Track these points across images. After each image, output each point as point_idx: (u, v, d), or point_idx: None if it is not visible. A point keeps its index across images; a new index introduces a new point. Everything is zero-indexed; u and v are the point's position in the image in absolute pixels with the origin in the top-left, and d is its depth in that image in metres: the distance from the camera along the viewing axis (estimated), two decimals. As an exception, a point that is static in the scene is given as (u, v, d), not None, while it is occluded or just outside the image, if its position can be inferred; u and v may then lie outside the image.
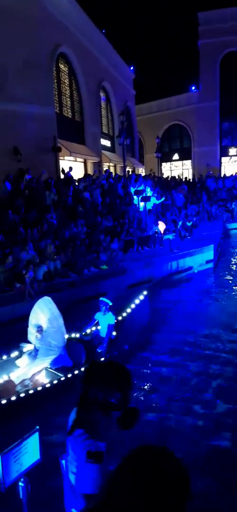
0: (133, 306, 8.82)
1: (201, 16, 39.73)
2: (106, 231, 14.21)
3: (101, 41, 28.81)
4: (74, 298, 11.12)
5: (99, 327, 7.92)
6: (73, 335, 7.86)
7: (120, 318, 8.35)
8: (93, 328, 8.07)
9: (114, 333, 7.79)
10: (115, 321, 7.83)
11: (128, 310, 8.66)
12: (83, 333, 7.90)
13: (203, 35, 39.85)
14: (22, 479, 2.58)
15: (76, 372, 6.70)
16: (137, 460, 0.95)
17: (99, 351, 7.41)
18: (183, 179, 32.24)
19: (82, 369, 6.74)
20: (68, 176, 19.10)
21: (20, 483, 2.57)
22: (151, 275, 13.41)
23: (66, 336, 7.31)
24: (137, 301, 8.98)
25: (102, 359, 7.14)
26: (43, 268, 11.22)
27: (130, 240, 14.80)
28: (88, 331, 8.03)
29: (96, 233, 13.86)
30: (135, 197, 19.52)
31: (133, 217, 17.16)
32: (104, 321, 7.70)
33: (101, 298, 7.85)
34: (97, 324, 7.93)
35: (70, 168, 19.65)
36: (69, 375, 6.63)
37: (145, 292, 9.29)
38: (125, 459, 0.97)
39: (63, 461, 2.49)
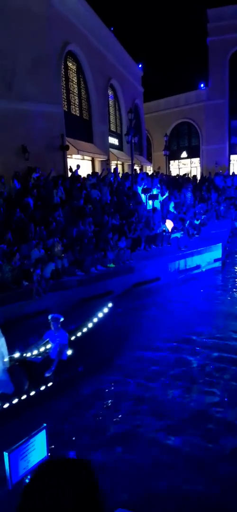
0: (95, 320, 7.81)
1: (210, 13, 39.43)
2: (113, 230, 14.20)
3: (109, 39, 28.73)
4: (81, 296, 11.16)
5: (49, 346, 7.02)
6: (17, 355, 6.86)
7: (79, 334, 7.54)
8: (43, 348, 7.12)
9: (69, 352, 7.01)
10: (72, 338, 7.16)
11: (90, 325, 7.72)
12: (29, 354, 6.94)
13: (212, 32, 39.54)
14: (29, 476, 2.60)
15: (15, 401, 5.98)
16: (42, 475, 0.95)
17: (47, 375, 6.55)
18: (191, 177, 32.07)
19: (24, 397, 6.09)
20: (75, 174, 19.13)
21: (27, 480, 2.58)
22: (159, 273, 13.39)
23: (6, 358, 6.26)
24: (100, 315, 7.91)
25: (50, 384, 6.50)
26: (51, 266, 11.26)
27: (137, 238, 14.77)
28: (35, 352, 7.08)
29: (104, 232, 13.85)
30: (142, 195, 19.48)
31: (141, 215, 17.12)
32: (55, 340, 6.86)
33: (51, 315, 6.92)
34: (49, 343, 7.05)
35: (78, 166, 19.68)
36: (6, 405, 5.89)
37: (110, 304, 8.19)
38: (31, 478, 0.98)
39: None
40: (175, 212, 19.41)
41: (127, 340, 9.02)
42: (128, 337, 9.21)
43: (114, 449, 5.46)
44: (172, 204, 20.54)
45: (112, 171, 23.07)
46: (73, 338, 7.42)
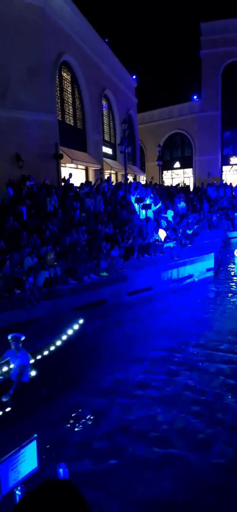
0: (64, 337, 7.31)
1: (203, 27, 40.08)
2: (106, 238, 14.22)
3: (103, 50, 29.01)
4: (74, 305, 11.13)
5: (11, 366, 6.43)
6: None
7: (46, 353, 7.05)
8: (6, 368, 6.51)
9: (33, 373, 6.57)
10: (33, 360, 6.67)
11: (58, 343, 7.21)
12: None
13: (205, 45, 40.17)
14: (19, 487, 2.56)
15: None
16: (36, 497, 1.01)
17: (4, 400, 5.94)
18: (184, 187, 32.29)
19: None
20: (68, 183, 19.18)
21: (17, 492, 2.55)
22: (151, 282, 13.42)
23: None
24: (70, 332, 7.45)
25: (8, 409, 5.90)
26: (44, 275, 11.22)
27: (130, 247, 14.80)
28: None
29: (97, 240, 13.87)
30: (136, 205, 19.56)
31: (134, 224, 17.18)
32: (15, 361, 6.33)
33: (11, 334, 6.35)
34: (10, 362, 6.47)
35: (70, 175, 19.72)
36: None
37: (81, 321, 7.79)
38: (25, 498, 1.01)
39: (61, 470, 2.48)
40: (173, 221, 19.56)
41: (114, 351, 8.97)
42: (115, 347, 9.19)
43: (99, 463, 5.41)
44: (171, 213, 20.68)
45: (105, 180, 23.16)
46: (38, 357, 6.92)
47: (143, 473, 5.25)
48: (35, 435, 2.64)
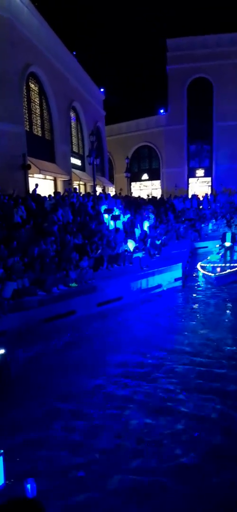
0: None
1: (169, 43, 41.27)
2: (75, 249, 14.17)
3: (71, 62, 29.22)
4: (42, 317, 10.96)
5: None
6: None
7: None
8: None
9: None
10: None
11: None
12: None
13: (171, 60, 41.33)
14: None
15: None
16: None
17: None
18: (150, 199, 32.80)
19: None
20: (34, 193, 19.02)
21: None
22: (121, 293, 13.47)
23: None
24: None
25: None
26: (12, 286, 11.00)
27: (100, 258, 14.82)
28: None
29: (66, 251, 13.79)
30: (105, 215, 19.66)
31: (103, 235, 17.24)
32: None
33: None
34: None
35: (36, 185, 19.58)
36: None
37: (2, 351, 7.10)
38: None
39: (28, 485, 2.41)
40: (148, 232, 19.80)
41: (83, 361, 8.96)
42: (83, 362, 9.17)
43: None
44: (147, 223, 20.88)
45: (73, 191, 23.17)
46: None
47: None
48: (1, 450, 2.55)
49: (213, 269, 15.68)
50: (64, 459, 5.68)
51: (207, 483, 5.15)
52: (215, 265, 16.00)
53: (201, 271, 15.94)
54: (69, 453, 5.81)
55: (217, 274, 14.93)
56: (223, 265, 15.93)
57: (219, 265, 15.91)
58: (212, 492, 5.01)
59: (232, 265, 15.75)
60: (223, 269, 15.46)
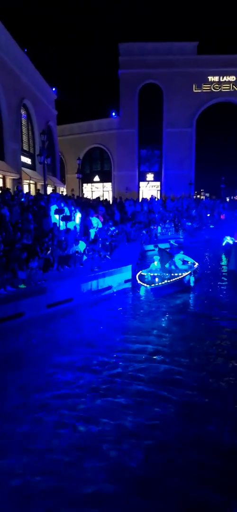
0: None
1: (121, 47, 41.79)
2: (25, 249, 13.87)
3: (23, 60, 28.62)
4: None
5: None
6: None
7: None
8: None
9: None
10: None
11: None
12: None
13: (123, 65, 41.88)
14: None
15: None
16: None
17: None
18: (102, 201, 32.96)
19: None
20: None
21: None
22: (72, 294, 13.42)
23: None
24: None
25: None
26: None
27: (49, 258, 14.65)
28: None
29: (14, 251, 13.45)
30: (55, 216, 19.43)
31: (53, 235, 17.04)
32: None
33: None
34: None
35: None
36: None
37: None
38: None
39: None
40: (99, 234, 19.76)
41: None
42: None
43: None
44: (98, 225, 20.82)
45: (24, 191, 22.65)
46: None
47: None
48: None
49: (152, 279, 14.47)
50: None
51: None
52: (155, 274, 14.82)
53: (138, 281, 14.50)
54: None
55: (152, 285, 13.86)
56: (162, 275, 14.72)
57: (158, 274, 14.75)
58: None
59: (172, 275, 14.68)
60: (161, 279, 14.31)
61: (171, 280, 14.39)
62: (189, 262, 16.65)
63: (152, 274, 14.90)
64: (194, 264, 16.64)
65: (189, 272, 15.41)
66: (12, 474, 5.51)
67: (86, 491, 5.19)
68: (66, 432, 6.37)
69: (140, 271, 15.55)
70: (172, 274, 14.75)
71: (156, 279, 14.37)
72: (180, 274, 14.85)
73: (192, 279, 15.56)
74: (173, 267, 15.37)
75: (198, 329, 11.25)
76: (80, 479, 5.37)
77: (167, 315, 12.54)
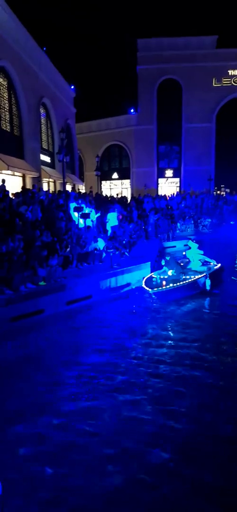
0: None
1: (140, 43, 41.56)
2: (44, 247, 14.01)
3: (41, 58, 28.83)
4: (10, 315, 10.81)
5: None
6: None
7: None
8: None
9: None
10: None
11: None
12: None
13: (141, 61, 41.65)
14: None
15: None
16: None
17: None
18: (121, 198, 32.91)
19: None
20: (2, 189, 18.57)
21: None
22: (90, 291, 13.49)
23: None
24: None
25: None
26: (-23, 285, 10.75)
27: (69, 256, 14.75)
28: None
29: (34, 249, 13.61)
30: (75, 213, 19.55)
31: (72, 233, 17.15)
32: None
33: None
34: None
35: (3, 181, 19.14)
36: None
37: None
38: None
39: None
40: (118, 231, 19.77)
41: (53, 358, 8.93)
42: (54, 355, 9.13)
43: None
44: (116, 222, 20.72)
45: (43, 189, 22.87)
46: None
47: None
48: None
49: (160, 282, 13.52)
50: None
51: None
52: (162, 276, 13.94)
53: (143, 285, 13.56)
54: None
55: (154, 290, 12.97)
56: (173, 277, 13.79)
57: (167, 277, 13.83)
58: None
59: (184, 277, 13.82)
60: (170, 282, 13.37)
61: (179, 283, 13.31)
62: (211, 263, 15.37)
63: (162, 277, 13.86)
64: (216, 265, 15.36)
65: (204, 274, 14.20)
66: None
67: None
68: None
69: (152, 273, 14.73)
70: (184, 277, 13.73)
71: (164, 282, 13.33)
72: (193, 277, 13.84)
73: (208, 282, 14.24)
74: (184, 275, 13.98)
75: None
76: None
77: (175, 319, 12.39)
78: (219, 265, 15.50)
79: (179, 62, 40.77)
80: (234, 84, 41.53)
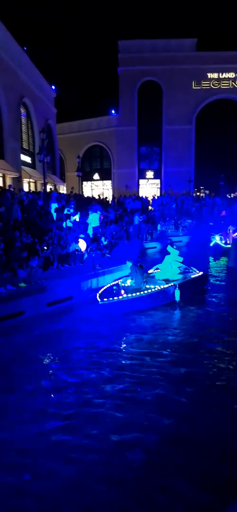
0: None
1: (120, 44, 41.75)
2: (24, 248, 13.92)
3: (22, 58, 28.60)
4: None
5: None
6: None
7: None
8: None
9: None
10: None
11: None
12: None
13: (122, 62, 41.84)
14: None
15: None
16: None
17: None
18: (102, 199, 32.98)
19: None
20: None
21: None
22: (71, 292, 13.48)
23: None
24: None
25: None
26: None
27: (49, 257, 14.70)
28: None
29: (14, 250, 13.50)
30: (55, 214, 19.48)
31: (53, 234, 17.08)
32: None
33: None
34: None
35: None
36: None
37: None
38: None
39: None
40: (99, 232, 19.76)
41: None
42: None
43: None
44: (98, 223, 20.64)
45: (24, 189, 22.68)
46: None
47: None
48: None
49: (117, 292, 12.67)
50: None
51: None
52: (123, 284, 13.16)
53: (97, 297, 12.49)
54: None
55: (104, 301, 12.10)
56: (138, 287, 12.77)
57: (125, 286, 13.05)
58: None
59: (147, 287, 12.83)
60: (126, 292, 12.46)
61: (135, 294, 12.24)
62: (190, 271, 14.37)
63: (126, 285, 13.02)
64: (196, 273, 14.30)
65: (172, 284, 13.10)
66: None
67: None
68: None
69: (119, 280, 13.59)
70: (148, 287, 12.74)
71: (122, 291, 12.41)
72: (158, 287, 12.76)
73: (177, 292, 12.96)
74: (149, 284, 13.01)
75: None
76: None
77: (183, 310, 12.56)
78: (200, 273, 14.45)
79: (159, 64, 41.14)
80: (213, 87, 42.21)
